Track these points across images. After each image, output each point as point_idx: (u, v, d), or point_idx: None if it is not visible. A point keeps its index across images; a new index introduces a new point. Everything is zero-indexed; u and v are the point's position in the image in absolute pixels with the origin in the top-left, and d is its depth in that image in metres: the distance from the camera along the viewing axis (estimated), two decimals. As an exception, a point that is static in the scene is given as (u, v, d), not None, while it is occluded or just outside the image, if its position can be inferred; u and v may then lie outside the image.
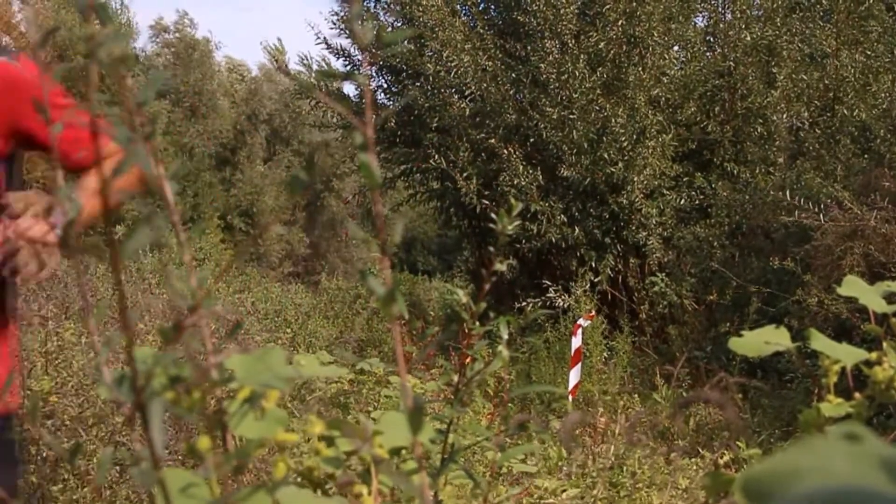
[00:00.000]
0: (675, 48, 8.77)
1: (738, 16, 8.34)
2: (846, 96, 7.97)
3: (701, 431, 4.81)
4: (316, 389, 3.57)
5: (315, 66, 9.88)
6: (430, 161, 8.53)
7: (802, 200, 6.02)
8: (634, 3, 8.05)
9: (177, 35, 18.63)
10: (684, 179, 8.40)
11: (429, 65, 8.62)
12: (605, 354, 6.66)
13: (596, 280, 8.04)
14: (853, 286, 0.96)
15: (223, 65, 21.65)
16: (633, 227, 8.04)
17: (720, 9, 8.97)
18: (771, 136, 8.20)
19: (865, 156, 7.17)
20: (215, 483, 0.63)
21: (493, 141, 8.34)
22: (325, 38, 10.06)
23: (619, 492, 3.15)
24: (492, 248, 1.11)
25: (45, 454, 2.80)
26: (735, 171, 8.22)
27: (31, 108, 1.15)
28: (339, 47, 10.07)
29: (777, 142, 8.14)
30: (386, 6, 9.77)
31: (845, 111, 7.85)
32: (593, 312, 7.12)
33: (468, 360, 1.11)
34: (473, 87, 8.36)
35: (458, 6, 9.14)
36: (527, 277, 9.10)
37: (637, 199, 7.88)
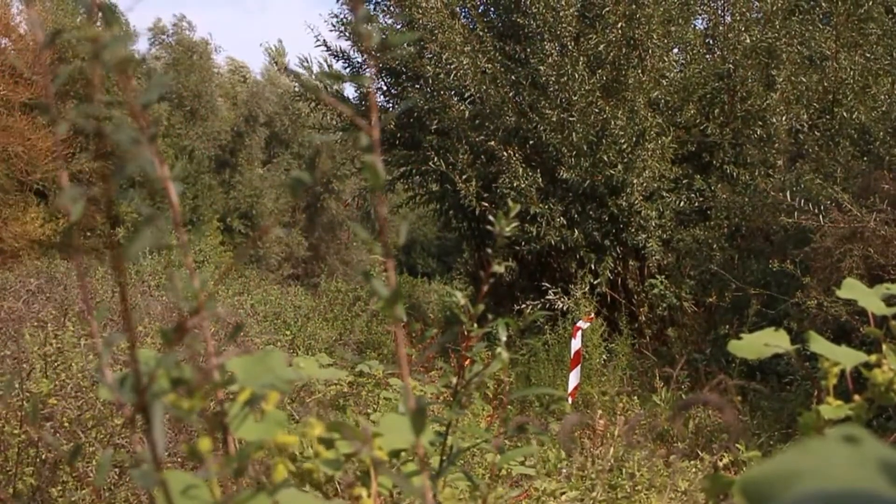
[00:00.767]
0: (675, 50, 8.78)
1: (738, 18, 8.35)
2: (845, 98, 7.97)
3: (700, 434, 4.81)
4: (315, 392, 3.57)
5: (315, 69, 9.90)
6: (430, 163, 8.52)
7: (802, 202, 6.02)
8: (634, 6, 8.05)
9: (175, 38, 18.64)
10: (684, 182, 8.40)
11: (428, 67, 8.62)
12: (604, 356, 6.66)
13: (595, 282, 8.04)
14: (852, 288, 0.96)
15: (224, 66, 21.67)
16: (633, 230, 8.03)
17: (720, 11, 8.97)
18: (770, 138, 8.19)
19: (865, 158, 7.16)
20: (216, 485, 0.63)
21: (492, 143, 8.34)
22: (324, 40, 10.10)
23: (618, 494, 3.15)
24: (490, 250, 1.11)
25: (44, 456, 2.80)
26: (734, 174, 8.21)
27: None
28: (339, 49, 10.10)
29: (776, 144, 8.13)
30: (386, 9, 9.77)
31: (845, 113, 7.85)
32: (593, 315, 7.13)
33: (467, 362, 1.11)
34: (473, 90, 8.36)
35: (458, 8, 9.14)
36: (526, 279, 9.10)
37: (636, 202, 7.87)
